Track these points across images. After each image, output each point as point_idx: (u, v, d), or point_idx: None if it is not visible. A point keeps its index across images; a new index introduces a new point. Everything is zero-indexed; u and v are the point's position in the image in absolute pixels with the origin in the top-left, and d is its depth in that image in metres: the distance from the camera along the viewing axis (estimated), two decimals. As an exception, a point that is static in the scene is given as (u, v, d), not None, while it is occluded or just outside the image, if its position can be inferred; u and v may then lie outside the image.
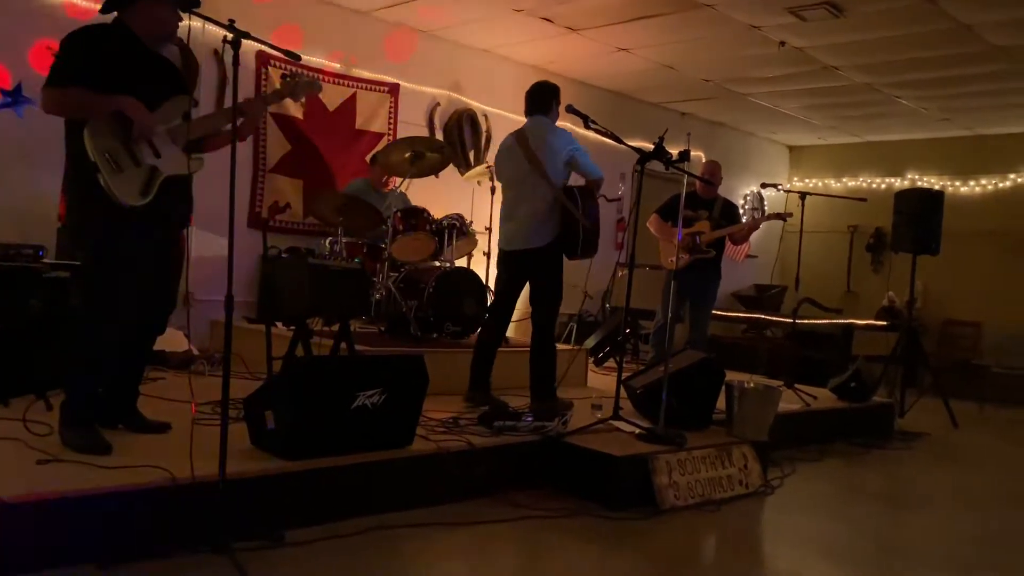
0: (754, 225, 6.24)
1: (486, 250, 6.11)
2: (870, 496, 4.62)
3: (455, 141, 7.31)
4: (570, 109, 4.28)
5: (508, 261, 4.62)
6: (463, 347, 5.30)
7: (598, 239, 4.47)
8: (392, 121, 6.94)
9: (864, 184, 10.38)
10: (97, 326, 3.01)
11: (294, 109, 6.29)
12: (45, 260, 4.30)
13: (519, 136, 4.59)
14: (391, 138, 6.79)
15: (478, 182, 6.81)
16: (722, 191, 6.31)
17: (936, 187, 8.56)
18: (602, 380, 6.06)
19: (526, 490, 3.68)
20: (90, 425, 3.02)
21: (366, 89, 6.75)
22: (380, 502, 3.24)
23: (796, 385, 5.96)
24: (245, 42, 2.70)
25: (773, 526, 3.87)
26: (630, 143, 4.42)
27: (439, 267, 5.45)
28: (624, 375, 4.53)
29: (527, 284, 4.63)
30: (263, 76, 6.14)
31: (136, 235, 3.02)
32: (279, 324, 5.03)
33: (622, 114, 8.36)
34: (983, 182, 9.55)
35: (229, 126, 3.13)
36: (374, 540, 2.97)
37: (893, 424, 6.27)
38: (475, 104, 7.50)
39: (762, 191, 10.34)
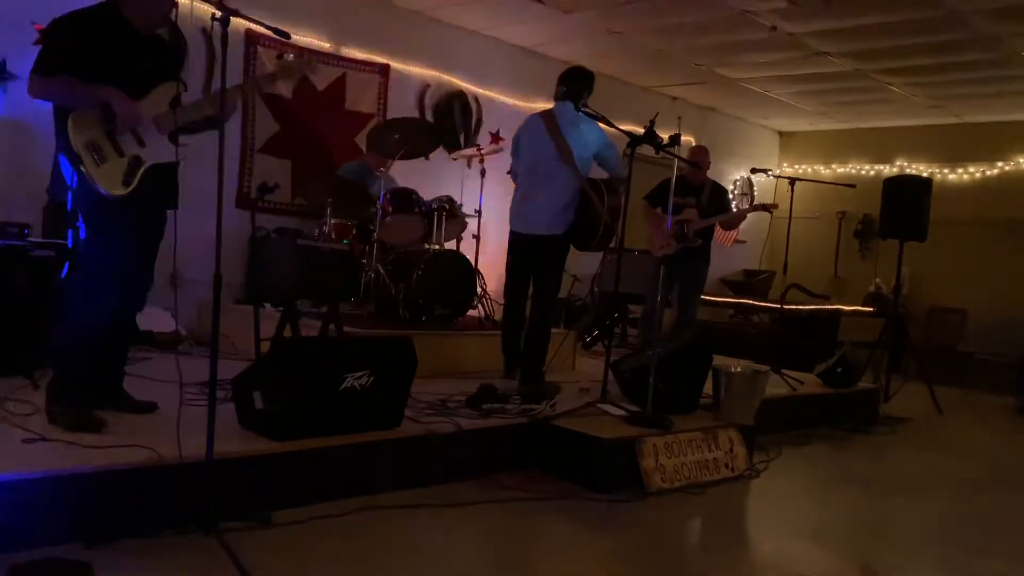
0: (740, 216, 6.26)
1: (476, 233, 6.10)
2: (854, 480, 4.67)
3: (445, 123, 7.27)
4: (562, 93, 4.27)
5: (521, 243, 4.63)
6: (452, 330, 5.30)
7: (611, 235, 4.49)
8: (382, 102, 6.90)
9: (853, 170, 10.40)
10: (82, 305, 3.00)
11: (283, 89, 6.24)
12: (31, 238, 4.27)
13: (547, 118, 4.56)
14: (381, 119, 6.75)
15: (468, 165, 6.79)
16: (712, 176, 6.31)
17: (924, 174, 8.59)
18: (590, 364, 6.07)
19: (514, 472, 3.70)
20: (81, 403, 3.01)
21: (356, 70, 6.70)
22: (368, 483, 3.25)
23: (782, 370, 6.00)
24: (234, 20, 2.67)
25: (758, 509, 3.91)
26: (621, 127, 4.41)
27: (428, 250, 5.44)
28: (612, 359, 4.55)
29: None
30: (253, 55, 6.08)
31: (122, 217, 3.01)
32: (267, 305, 5.01)
33: (613, 97, 8.27)
34: (971, 170, 9.59)
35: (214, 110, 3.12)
36: (362, 521, 2.98)
37: (878, 409, 6.33)
38: (466, 86, 7.46)
39: (752, 176, 10.35)
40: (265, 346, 3.72)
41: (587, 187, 4.39)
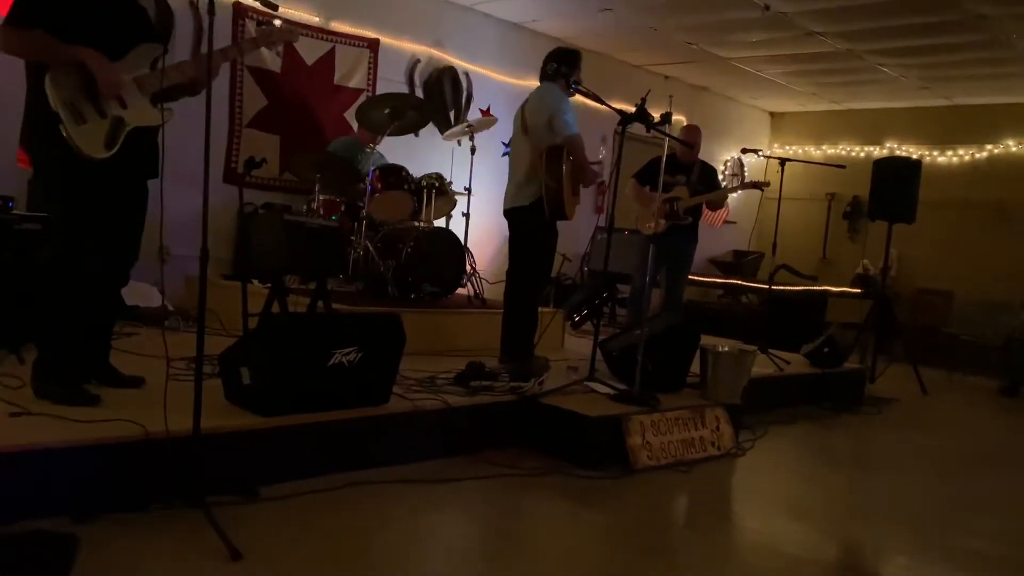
0: (731, 193, 6.26)
1: (465, 211, 6.08)
2: (839, 459, 4.72)
3: (435, 99, 7.22)
4: (553, 70, 4.24)
5: (506, 220, 4.65)
6: (440, 308, 5.30)
7: (562, 202, 4.38)
8: (371, 77, 6.83)
9: (843, 152, 10.41)
10: (65, 279, 2.96)
11: (271, 63, 6.17)
12: (15, 211, 4.22)
13: (528, 98, 4.61)
14: (370, 94, 6.69)
15: (458, 142, 6.75)
16: (703, 156, 6.30)
17: (914, 156, 8.60)
18: (579, 343, 6.09)
19: (502, 449, 3.72)
20: (70, 377, 2.99)
21: (345, 44, 6.63)
22: (355, 459, 3.25)
23: (770, 350, 6.03)
24: (221, -9, 2.63)
25: (743, 486, 3.94)
26: (612, 104, 4.39)
27: (417, 227, 5.41)
28: (601, 338, 4.56)
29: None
30: (240, 28, 6.00)
31: (102, 186, 2.95)
32: (255, 281, 4.99)
33: (604, 75, 8.26)
34: (960, 152, 9.62)
35: (191, 77, 3.07)
36: (349, 496, 2.99)
37: (864, 389, 6.38)
38: (456, 62, 7.40)
39: (742, 157, 10.35)
40: (253, 322, 3.71)
41: (536, 157, 4.39)
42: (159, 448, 2.64)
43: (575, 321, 7.04)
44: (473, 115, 7.37)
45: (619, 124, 4.27)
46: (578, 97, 4.56)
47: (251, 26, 6.00)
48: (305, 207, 5.33)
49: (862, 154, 10.16)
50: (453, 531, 2.98)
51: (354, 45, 6.69)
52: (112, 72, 2.87)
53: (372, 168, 5.39)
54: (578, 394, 4.05)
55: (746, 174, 10.50)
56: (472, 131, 6.10)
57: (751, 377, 4.68)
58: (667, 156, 4.85)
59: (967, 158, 9.58)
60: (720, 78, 9.38)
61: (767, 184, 6.26)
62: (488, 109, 7.42)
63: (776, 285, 7.03)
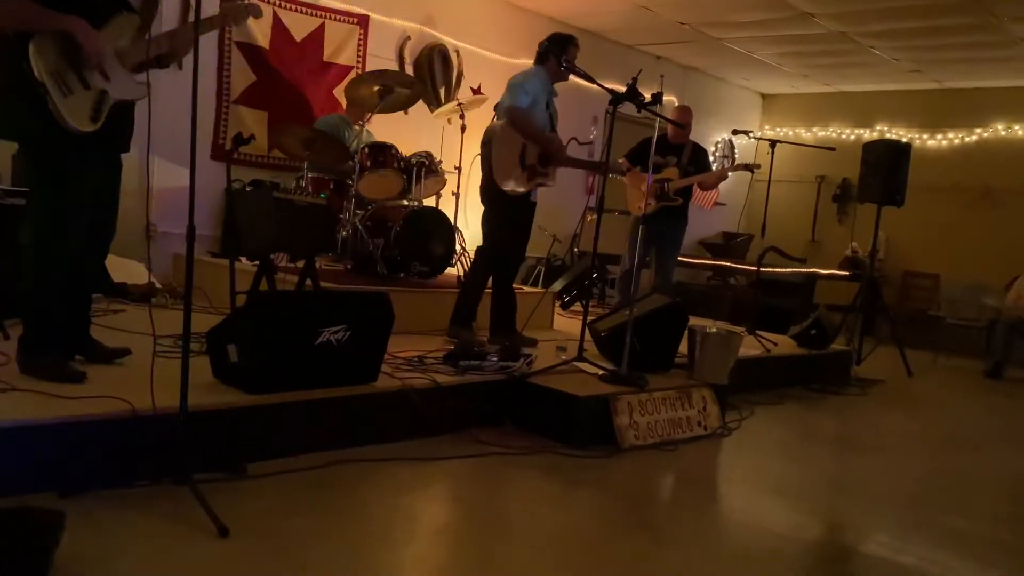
0: (722, 174, 6.25)
1: (455, 190, 6.05)
2: (824, 439, 4.76)
3: (426, 76, 7.16)
4: (544, 48, 4.22)
5: None
6: (430, 287, 5.29)
7: (491, 174, 4.49)
8: (361, 54, 6.77)
9: (834, 134, 10.42)
10: (49, 253, 2.93)
11: (260, 39, 6.11)
12: (0, 186, 4.17)
13: None
14: (360, 71, 6.63)
15: (448, 120, 6.71)
16: (693, 137, 6.29)
17: (904, 139, 8.62)
18: (568, 323, 6.10)
19: (490, 428, 3.73)
20: (55, 353, 2.97)
21: (335, 19, 6.56)
22: (344, 437, 3.26)
23: (758, 331, 6.06)
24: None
25: (729, 466, 3.97)
26: (603, 84, 4.37)
27: (407, 206, 5.39)
28: (590, 319, 4.57)
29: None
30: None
31: (84, 158, 2.92)
32: (243, 259, 4.96)
33: (596, 55, 8.21)
34: (950, 136, 9.64)
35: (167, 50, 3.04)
36: (337, 474, 2.99)
37: (850, 371, 6.44)
38: (447, 39, 7.33)
39: (733, 138, 10.34)
40: (240, 300, 3.69)
41: (492, 132, 4.48)
42: (146, 425, 2.63)
43: (564, 301, 7.05)
44: (464, 93, 7.33)
45: (610, 104, 4.26)
46: (570, 77, 4.55)
47: None
48: (294, 184, 5.29)
49: (852, 137, 10.17)
50: (440, 509, 2.99)
51: (344, 21, 6.62)
52: (98, 41, 2.83)
53: (362, 146, 5.35)
54: (567, 374, 4.06)
55: (736, 155, 10.49)
56: (463, 109, 6.06)
57: (738, 358, 4.70)
58: (658, 137, 4.84)
59: (956, 142, 9.61)
60: (712, 58, 9.35)
61: (758, 166, 6.26)
62: (479, 87, 7.37)
63: (765, 267, 7.05)
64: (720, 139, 10.43)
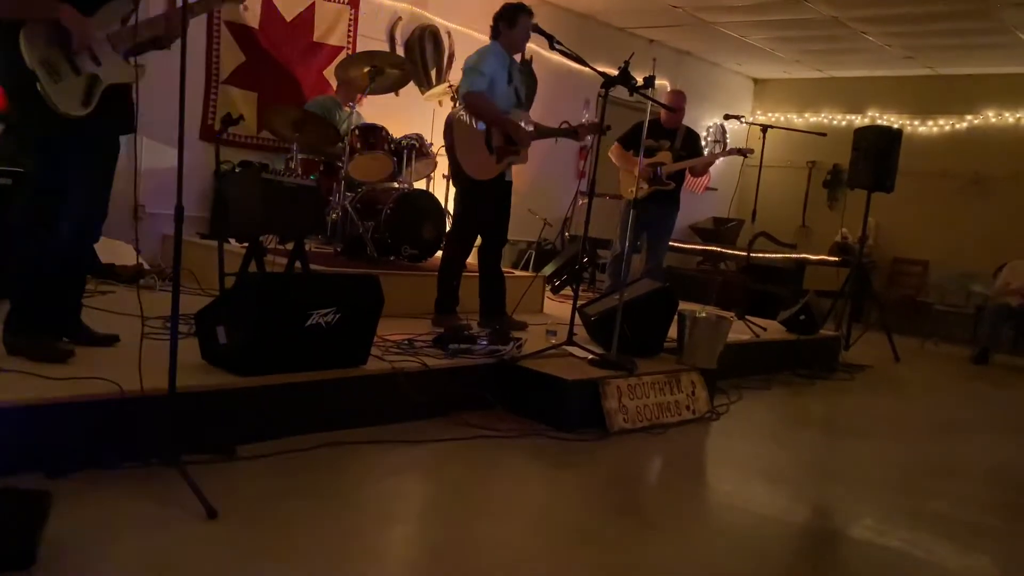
0: (715, 159, 6.25)
1: (446, 172, 6.03)
2: (812, 423, 4.80)
3: (416, 58, 7.11)
4: (536, 29, 4.18)
5: None
6: (420, 270, 5.28)
7: (456, 160, 4.47)
8: (351, 34, 6.71)
9: (825, 120, 10.42)
10: (38, 234, 2.92)
11: (250, 18, 6.04)
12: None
13: None
14: (350, 52, 6.58)
15: (439, 102, 6.67)
16: (685, 121, 6.28)
17: (895, 126, 8.64)
18: (558, 307, 6.11)
19: (480, 411, 3.73)
20: (42, 333, 2.96)
21: (325, 0, 6.50)
22: (333, 420, 3.26)
23: (747, 317, 6.08)
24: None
25: (717, 450, 4.00)
26: (595, 67, 4.35)
27: (397, 188, 5.37)
28: (580, 303, 4.57)
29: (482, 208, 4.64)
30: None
31: (77, 143, 2.92)
32: (232, 240, 4.94)
33: (588, 37, 8.20)
34: (940, 122, 9.66)
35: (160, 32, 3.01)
36: (326, 456, 3.00)
37: (838, 356, 6.47)
38: (438, 20, 7.28)
39: (725, 123, 10.33)
40: (229, 282, 3.68)
41: (452, 120, 4.50)
42: (134, 406, 2.63)
43: (555, 286, 7.06)
44: (455, 75, 7.28)
45: (602, 87, 4.24)
46: (561, 59, 4.51)
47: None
48: (283, 166, 5.26)
49: (844, 122, 10.17)
50: (429, 491, 3.00)
51: (334, 1, 6.56)
52: (87, 27, 2.83)
53: (352, 128, 5.32)
54: (556, 358, 4.07)
55: (728, 141, 10.48)
56: (453, 91, 6.02)
57: (727, 343, 4.72)
58: (651, 121, 4.82)
59: (947, 128, 9.63)
60: (705, 42, 9.32)
61: (751, 151, 6.26)
62: (470, 70, 7.32)
63: (755, 252, 7.07)
64: (712, 124, 10.42)
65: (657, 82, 4.47)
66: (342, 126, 5.51)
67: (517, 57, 4.60)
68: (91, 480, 2.49)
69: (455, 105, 4.43)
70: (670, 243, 6.58)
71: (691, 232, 10.05)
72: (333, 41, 6.59)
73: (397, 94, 6.17)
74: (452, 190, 6.03)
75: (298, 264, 4.18)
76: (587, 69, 4.32)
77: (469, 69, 4.40)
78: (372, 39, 6.78)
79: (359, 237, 5.22)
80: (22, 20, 2.76)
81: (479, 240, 4.71)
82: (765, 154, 6.31)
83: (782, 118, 10.68)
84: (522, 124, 4.51)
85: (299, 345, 3.16)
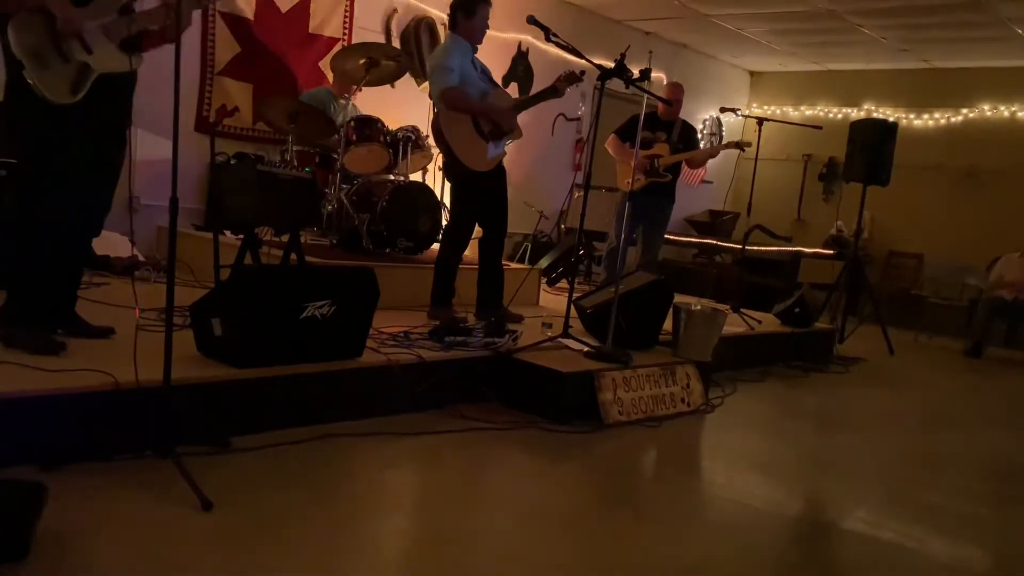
0: (712, 152, 6.26)
1: (441, 165, 6.00)
2: (806, 416, 4.81)
3: (412, 50, 7.08)
4: (531, 20, 4.17)
5: None
6: (416, 262, 5.27)
7: (454, 156, 4.44)
8: (347, 26, 6.69)
9: (821, 113, 10.42)
10: (35, 226, 2.91)
11: (245, 9, 6.01)
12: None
13: None
14: (346, 43, 6.55)
15: (435, 94, 6.64)
16: (681, 114, 6.27)
17: (891, 119, 8.64)
18: (554, 300, 6.11)
19: (475, 403, 3.74)
20: (37, 325, 2.95)
21: (320, -9, 6.47)
22: (328, 412, 3.26)
23: (742, 309, 6.09)
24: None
25: (712, 442, 4.01)
26: (591, 59, 4.33)
27: (393, 181, 5.36)
28: (575, 295, 4.57)
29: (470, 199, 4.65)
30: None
31: (72, 132, 2.90)
32: (227, 232, 4.93)
33: (584, 30, 8.16)
34: (936, 116, 9.67)
35: (161, 24, 3.01)
36: (321, 448, 3.00)
37: (833, 349, 6.49)
38: (434, 12, 7.24)
39: (721, 116, 10.32)
40: (224, 274, 3.67)
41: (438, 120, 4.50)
42: (129, 398, 2.62)
43: (551, 278, 7.06)
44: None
45: (598, 80, 4.23)
46: (557, 51, 4.50)
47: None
48: (278, 158, 5.24)
49: (839, 116, 10.17)
50: (423, 483, 3.01)
51: (330, -8, 6.53)
52: (70, 11, 2.81)
53: (348, 119, 5.31)
54: (552, 350, 4.08)
55: (724, 134, 10.48)
56: (428, 93, 6.00)
57: (722, 335, 4.73)
58: (648, 113, 4.81)
59: (943, 122, 9.64)
60: (701, 35, 9.31)
61: (748, 144, 6.26)
62: (466, 62, 7.30)
63: (750, 245, 7.08)
64: (708, 117, 10.41)
65: (653, 75, 4.45)
66: (338, 118, 5.49)
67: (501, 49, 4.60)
68: (86, 472, 2.48)
69: (433, 108, 4.41)
70: (665, 236, 6.59)
71: (687, 225, 10.05)
72: (329, 32, 6.57)
73: (393, 86, 6.15)
74: (448, 185, 6.03)
75: (294, 256, 4.17)
76: (583, 61, 4.31)
77: (437, 67, 4.38)
78: (368, 30, 6.75)
79: (355, 229, 5.21)
80: (15, 11, 2.74)
81: (478, 232, 4.71)
82: (761, 147, 6.32)
83: (778, 111, 10.68)
84: (502, 104, 4.54)
85: (294, 337, 3.16)
